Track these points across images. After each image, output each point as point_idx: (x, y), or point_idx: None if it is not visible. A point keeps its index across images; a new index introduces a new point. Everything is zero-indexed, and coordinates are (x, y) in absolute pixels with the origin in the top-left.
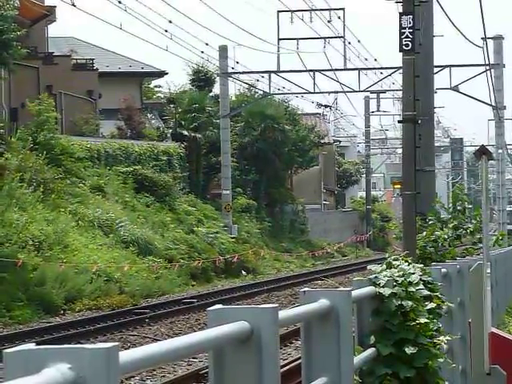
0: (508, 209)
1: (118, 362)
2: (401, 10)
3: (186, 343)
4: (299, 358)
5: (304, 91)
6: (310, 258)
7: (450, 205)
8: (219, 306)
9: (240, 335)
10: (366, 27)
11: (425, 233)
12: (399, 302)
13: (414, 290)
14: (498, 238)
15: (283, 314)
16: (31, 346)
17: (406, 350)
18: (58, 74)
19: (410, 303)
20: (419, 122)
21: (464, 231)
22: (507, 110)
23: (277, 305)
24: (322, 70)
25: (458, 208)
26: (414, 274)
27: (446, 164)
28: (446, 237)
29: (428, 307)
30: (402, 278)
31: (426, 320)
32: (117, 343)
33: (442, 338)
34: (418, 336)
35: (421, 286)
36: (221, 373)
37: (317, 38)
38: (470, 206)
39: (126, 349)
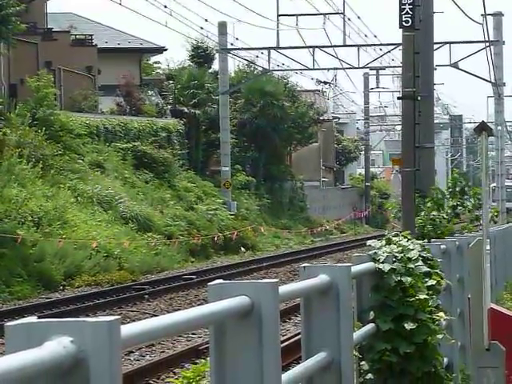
0: (506, 183)
1: (120, 336)
2: None
3: (186, 318)
4: (298, 334)
5: (303, 68)
6: (309, 235)
7: (449, 185)
8: (220, 280)
9: (241, 310)
10: (366, 3)
11: (423, 213)
12: (398, 278)
13: (413, 266)
14: (493, 216)
15: (283, 289)
16: (33, 319)
17: (406, 325)
18: (57, 49)
19: (409, 279)
20: (419, 98)
21: (463, 209)
22: (507, 87)
23: (277, 280)
24: (322, 47)
25: (457, 189)
26: (413, 250)
27: (445, 141)
28: (445, 216)
29: (428, 284)
30: (402, 254)
31: (426, 296)
32: (118, 317)
33: (441, 314)
34: (418, 312)
35: (420, 263)
36: (221, 347)
37: (316, 14)
38: (470, 184)
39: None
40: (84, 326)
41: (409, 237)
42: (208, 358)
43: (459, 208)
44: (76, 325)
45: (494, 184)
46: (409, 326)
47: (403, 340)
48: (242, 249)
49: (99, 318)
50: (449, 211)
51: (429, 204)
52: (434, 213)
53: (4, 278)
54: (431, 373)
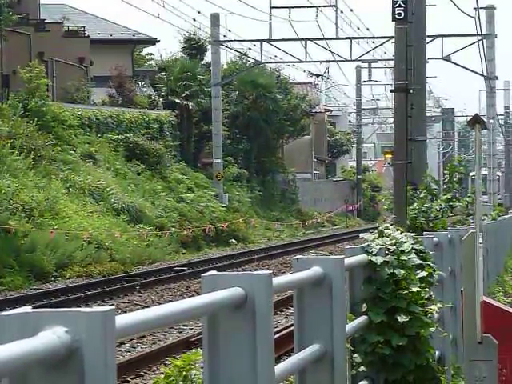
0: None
1: (115, 326)
2: None
3: (181, 308)
4: (289, 326)
5: (296, 60)
6: (301, 228)
7: (446, 176)
8: (214, 272)
9: (234, 301)
10: None
11: (415, 204)
12: (391, 271)
13: (405, 258)
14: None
15: (277, 280)
16: (27, 309)
17: (398, 318)
18: (49, 40)
19: (401, 272)
20: (411, 91)
21: (458, 203)
22: (499, 81)
23: (271, 271)
24: (314, 39)
25: (455, 179)
26: (406, 242)
27: (437, 134)
28: (438, 208)
29: (420, 276)
30: (395, 247)
31: (418, 289)
32: (113, 307)
33: (433, 306)
34: (410, 304)
35: (413, 255)
36: (215, 338)
37: (309, 7)
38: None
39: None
40: (79, 316)
41: (401, 229)
42: (199, 348)
43: (453, 203)
44: (71, 315)
45: (486, 172)
46: (401, 318)
47: (395, 332)
48: (233, 241)
49: (94, 308)
50: (443, 204)
51: (422, 194)
52: (427, 204)
53: None
54: (423, 365)
